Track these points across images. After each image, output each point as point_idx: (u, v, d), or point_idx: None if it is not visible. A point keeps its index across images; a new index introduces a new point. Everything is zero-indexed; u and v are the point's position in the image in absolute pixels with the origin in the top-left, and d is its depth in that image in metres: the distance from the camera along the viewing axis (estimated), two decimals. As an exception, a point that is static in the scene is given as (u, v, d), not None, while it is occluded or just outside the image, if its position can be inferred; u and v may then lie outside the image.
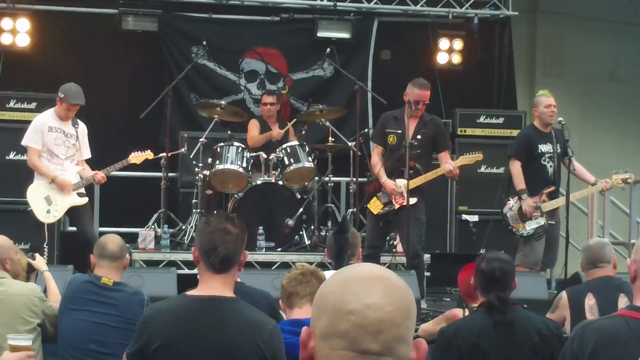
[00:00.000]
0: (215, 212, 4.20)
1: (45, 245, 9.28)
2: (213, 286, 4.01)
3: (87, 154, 9.63)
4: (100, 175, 9.43)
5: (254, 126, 11.32)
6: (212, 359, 3.89)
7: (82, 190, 9.51)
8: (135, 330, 4.06)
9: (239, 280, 6.11)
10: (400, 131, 9.44)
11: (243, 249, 4.11)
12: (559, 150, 9.73)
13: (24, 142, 9.40)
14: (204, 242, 4.04)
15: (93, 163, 9.68)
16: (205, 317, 3.95)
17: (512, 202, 9.76)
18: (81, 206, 9.42)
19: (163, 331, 3.91)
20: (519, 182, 9.68)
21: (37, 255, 6.68)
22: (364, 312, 1.92)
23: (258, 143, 11.03)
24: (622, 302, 6.07)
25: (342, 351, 1.92)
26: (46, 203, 9.32)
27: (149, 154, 9.89)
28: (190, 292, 4.14)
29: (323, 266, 8.33)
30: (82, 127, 9.58)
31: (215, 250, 4.00)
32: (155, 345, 3.89)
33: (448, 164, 9.34)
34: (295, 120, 11.47)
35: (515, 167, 9.74)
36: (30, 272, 6.56)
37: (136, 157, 9.79)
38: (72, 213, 9.55)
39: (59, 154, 9.40)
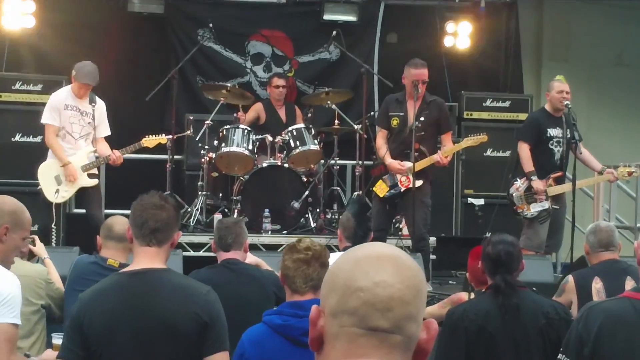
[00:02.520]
0: (150, 191, 4.20)
1: (53, 226, 9.28)
2: (142, 260, 4.05)
3: (106, 131, 9.57)
4: (116, 154, 9.40)
5: (252, 109, 11.34)
6: (149, 330, 3.90)
7: (94, 171, 9.47)
8: (71, 314, 4.05)
9: (247, 261, 6.14)
10: (402, 114, 9.43)
11: (177, 227, 4.16)
12: (568, 135, 9.69)
13: (42, 120, 9.38)
14: (136, 217, 4.09)
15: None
16: (134, 289, 3.97)
17: (519, 183, 9.75)
18: (90, 188, 9.39)
19: (93, 308, 3.92)
20: (528, 164, 9.66)
21: (37, 240, 6.63)
22: (374, 289, 1.92)
23: (244, 123, 10.98)
24: (629, 285, 6.07)
25: (351, 328, 1.92)
26: (55, 183, 9.30)
27: (162, 138, 9.85)
28: (122, 270, 4.20)
29: (330, 249, 8.32)
30: (100, 105, 9.52)
31: (146, 222, 4.05)
32: (89, 323, 3.88)
33: (437, 154, 9.32)
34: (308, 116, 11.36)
35: (524, 150, 9.71)
36: (30, 258, 6.54)
37: (149, 140, 9.75)
38: (82, 195, 9.53)
39: (73, 132, 9.37)
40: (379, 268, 1.94)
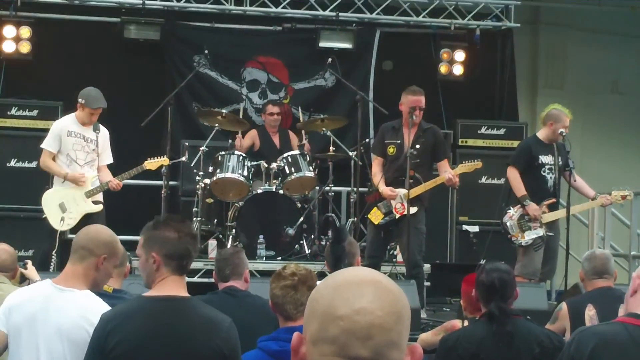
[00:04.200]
0: (169, 216, 4.23)
1: (54, 253, 9.27)
2: (168, 287, 4.08)
3: (108, 160, 9.64)
4: (115, 182, 9.43)
5: (247, 137, 11.34)
6: (171, 357, 3.95)
7: (98, 197, 9.50)
8: (93, 334, 4.07)
9: (244, 289, 6.12)
10: (399, 141, 9.46)
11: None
12: (560, 162, 9.71)
13: (42, 145, 9.47)
14: (178, 249, 4.11)
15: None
16: (163, 317, 4.02)
17: (512, 211, 9.74)
18: (95, 214, 9.41)
19: (121, 332, 3.95)
20: (519, 189, 9.64)
21: (29, 264, 6.64)
22: (353, 317, 1.88)
23: (241, 149, 10.99)
24: (623, 312, 6.06)
25: (332, 357, 1.89)
26: (60, 210, 9.32)
27: (164, 160, 9.90)
28: (146, 294, 4.19)
29: (322, 275, 8.32)
30: (104, 132, 9.60)
31: (189, 254, 4.12)
32: (113, 346, 3.91)
33: (447, 172, 9.36)
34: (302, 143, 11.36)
35: (513, 174, 9.69)
36: (22, 282, 6.53)
37: (151, 163, 9.77)
38: (86, 221, 9.53)
39: (78, 159, 9.41)
40: (358, 294, 1.90)
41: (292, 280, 4.39)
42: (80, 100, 9.41)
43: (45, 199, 9.39)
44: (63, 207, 9.33)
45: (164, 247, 4.12)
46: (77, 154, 9.40)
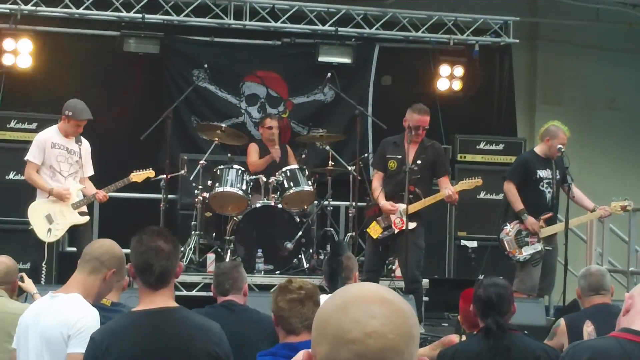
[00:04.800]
0: (146, 228, 4.22)
1: (43, 264, 9.28)
2: (156, 300, 4.08)
3: (90, 172, 9.67)
4: (101, 194, 9.48)
5: (253, 150, 11.31)
6: None
7: (84, 209, 9.55)
8: (87, 352, 4.06)
9: (241, 303, 6.12)
10: (400, 156, 9.47)
11: (177, 263, 4.18)
12: (558, 177, 9.72)
13: (26, 157, 9.47)
14: (138, 261, 4.10)
15: (94, 182, 9.70)
16: (158, 329, 4.02)
17: (509, 228, 9.74)
18: (81, 225, 9.45)
19: (118, 350, 3.94)
20: (517, 202, 9.64)
21: (25, 277, 6.65)
22: (366, 340, 1.86)
23: (260, 167, 11.00)
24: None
25: None
26: (47, 222, 9.34)
27: (150, 172, 9.93)
28: (135, 309, 4.19)
29: (321, 290, 8.31)
30: (86, 145, 9.64)
31: (150, 268, 4.06)
32: None
33: (447, 189, 9.37)
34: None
35: (511, 189, 9.70)
36: (19, 295, 6.53)
37: (137, 175, 9.82)
38: (72, 232, 9.57)
39: (62, 170, 9.44)
40: (368, 316, 1.88)
41: (299, 294, 4.39)
42: (66, 112, 9.41)
43: (31, 210, 9.39)
44: (50, 218, 9.34)
45: (132, 259, 4.15)
46: (61, 166, 9.44)
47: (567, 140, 9.69)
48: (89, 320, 4.36)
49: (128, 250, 4.21)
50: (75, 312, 4.36)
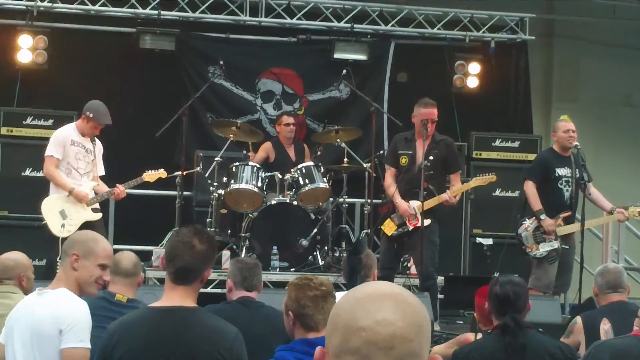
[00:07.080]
0: (192, 224, 4.26)
1: (58, 259, 9.30)
2: (173, 297, 4.11)
3: (102, 171, 9.72)
4: (120, 188, 9.51)
5: (262, 150, 11.32)
6: None
7: (97, 205, 9.57)
8: (99, 344, 4.13)
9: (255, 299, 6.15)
10: (411, 152, 9.47)
11: (207, 265, 4.18)
12: (577, 175, 9.68)
13: (47, 152, 9.49)
14: (167, 250, 4.17)
15: (108, 180, 9.76)
16: (167, 327, 4.05)
17: (527, 223, 9.72)
18: (95, 222, 9.46)
19: (126, 343, 4.00)
20: (536, 202, 9.63)
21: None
22: (375, 328, 1.90)
23: (255, 160, 11.00)
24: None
25: None
26: (61, 217, 9.36)
27: (162, 173, 9.96)
28: (153, 304, 4.22)
29: (337, 287, 8.32)
30: (99, 145, 9.70)
31: (173, 259, 4.10)
32: (119, 357, 3.98)
33: (445, 193, 9.36)
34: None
35: (530, 188, 9.69)
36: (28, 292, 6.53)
37: (150, 175, 9.86)
38: (86, 228, 9.58)
39: (79, 168, 9.48)
40: (379, 306, 1.93)
41: (322, 291, 4.42)
42: (87, 113, 9.45)
43: (45, 205, 9.40)
44: (64, 214, 9.37)
45: (165, 247, 4.20)
46: (79, 164, 9.48)
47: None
48: (79, 313, 4.39)
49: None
50: (64, 306, 4.39)
